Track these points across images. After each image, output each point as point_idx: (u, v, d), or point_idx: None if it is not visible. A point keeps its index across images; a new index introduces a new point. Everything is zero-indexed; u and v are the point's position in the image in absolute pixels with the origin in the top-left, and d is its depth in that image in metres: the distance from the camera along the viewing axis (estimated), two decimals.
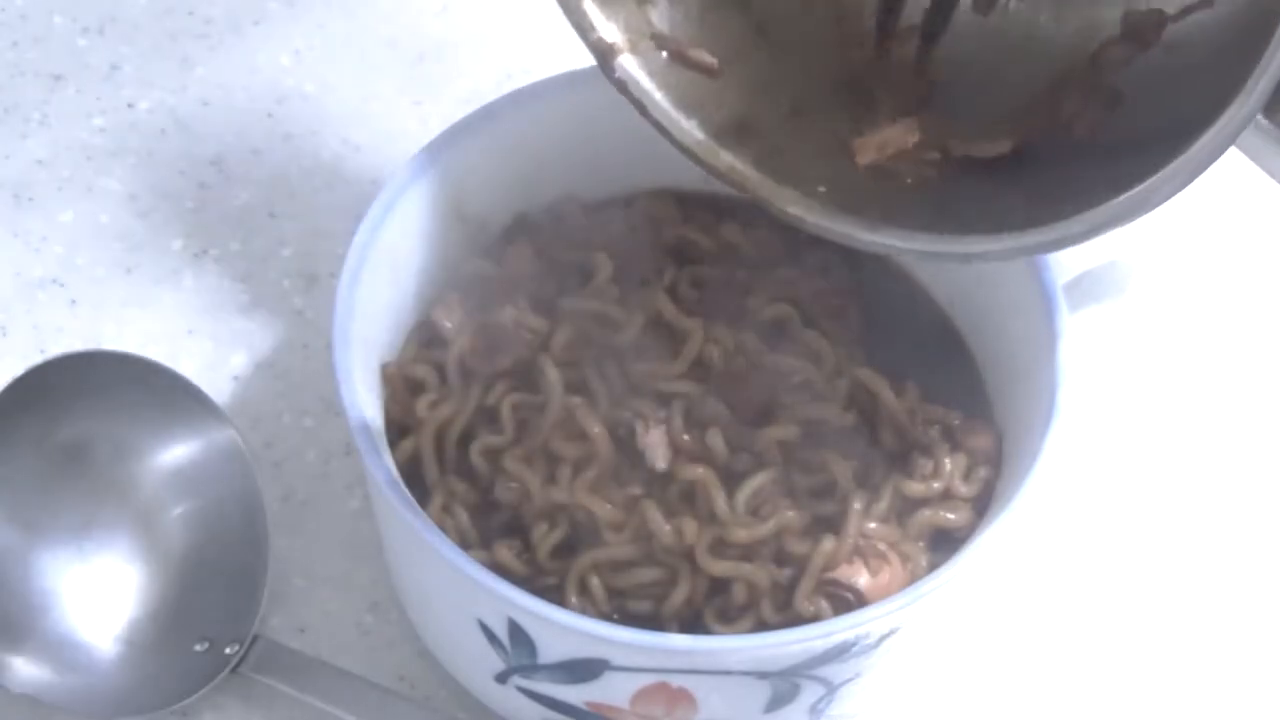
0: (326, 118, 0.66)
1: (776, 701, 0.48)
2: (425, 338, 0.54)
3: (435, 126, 0.54)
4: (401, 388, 0.53)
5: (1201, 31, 0.46)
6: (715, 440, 0.50)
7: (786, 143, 0.51)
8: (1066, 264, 0.53)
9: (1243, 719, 0.55)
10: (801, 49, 0.52)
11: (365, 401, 0.49)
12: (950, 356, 0.54)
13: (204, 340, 0.61)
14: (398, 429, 0.52)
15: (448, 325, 0.53)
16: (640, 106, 0.51)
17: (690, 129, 0.51)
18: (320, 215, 0.64)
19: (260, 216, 0.64)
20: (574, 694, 0.49)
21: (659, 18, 0.51)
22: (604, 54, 0.50)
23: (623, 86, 0.51)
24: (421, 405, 0.52)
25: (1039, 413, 0.49)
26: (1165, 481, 0.59)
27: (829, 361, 0.52)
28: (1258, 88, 0.38)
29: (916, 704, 0.54)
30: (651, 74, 0.51)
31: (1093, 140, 0.47)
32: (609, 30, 0.50)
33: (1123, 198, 0.43)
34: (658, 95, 0.51)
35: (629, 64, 0.51)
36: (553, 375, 0.51)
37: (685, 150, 0.51)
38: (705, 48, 0.51)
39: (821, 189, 0.49)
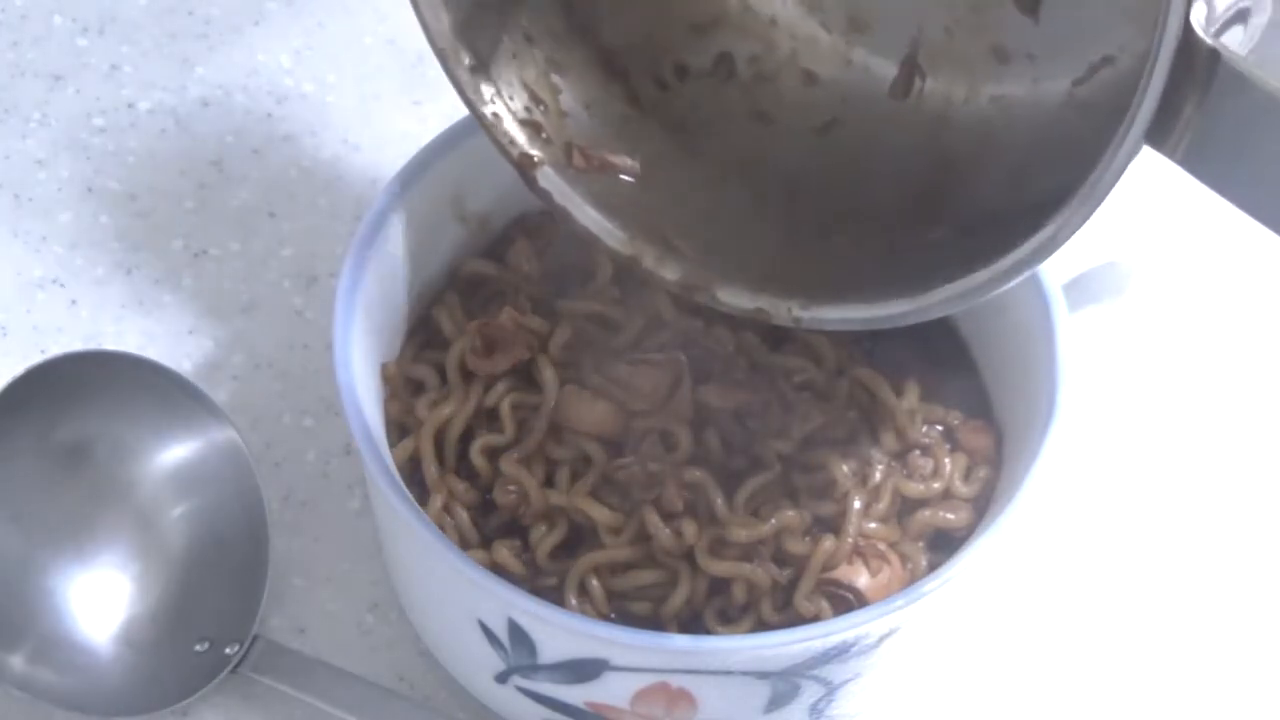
0: (326, 118, 0.66)
1: (776, 701, 0.48)
2: (425, 338, 0.54)
3: (435, 126, 0.54)
4: (401, 388, 0.53)
5: (1109, 90, 0.46)
6: (713, 440, 0.50)
7: (710, 239, 0.51)
8: (1066, 264, 0.53)
9: (1243, 719, 0.55)
10: (721, 158, 0.52)
11: (365, 401, 0.49)
12: (950, 356, 0.54)
13: (204, 340, 0.61)
14: (398, 429, 0.52)
15: (448, 325, 0.53)
16: (564, 214, 0.51)
17: (614, 230, 0.51)
18: (320, 215, 0.64)
19: (260, 216, 0.64)
20: (574, 694, 0.49)
21: (577, 128, 0.52)
22: (525, 167, 0.51)
23: (547, 197, 0.51)
24: (421, 405, 0.52)
25: (1039, 413, 0.49)
26: (1165, 481, 0.59)
27: (829, 361, 0.52)
28: (1140, 114, 0.39)
29: (916, 704, 0.54)
30: (573, 182, 0.51)
31: (1005, 209, 0.48)
32: (530, 144, 0.51)
33: (1031, 242, 0.43)
34: (581, 202, 0.51)
35: (551, 174, 0.51)
36: (550, 376, 0.51)
37: (613, 253, 0.51)
38: (625, 153, 0.52)
39: (754, 275, 0.50)
